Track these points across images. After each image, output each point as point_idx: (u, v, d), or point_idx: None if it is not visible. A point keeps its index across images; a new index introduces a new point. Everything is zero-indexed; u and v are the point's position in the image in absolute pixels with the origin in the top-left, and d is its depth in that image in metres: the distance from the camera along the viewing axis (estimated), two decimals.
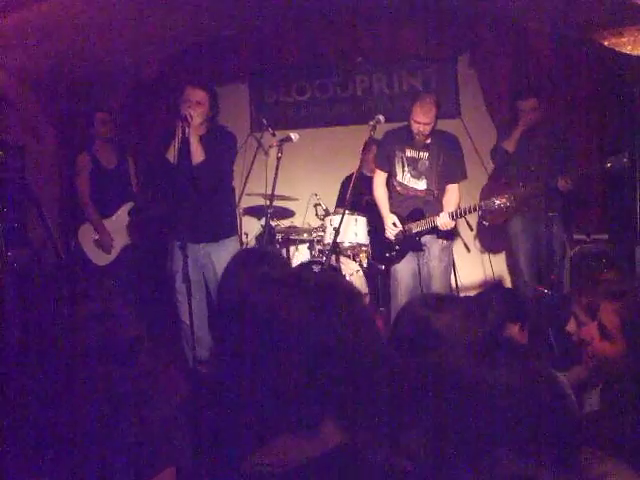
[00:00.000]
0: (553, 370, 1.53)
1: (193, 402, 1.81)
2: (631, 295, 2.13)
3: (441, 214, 5.06)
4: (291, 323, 1.27)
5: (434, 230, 5.16)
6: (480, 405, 1.43)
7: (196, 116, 4.43)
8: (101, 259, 5.79)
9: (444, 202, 5.20)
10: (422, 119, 4.99)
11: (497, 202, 4.98)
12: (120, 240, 5.84)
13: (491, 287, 3.32)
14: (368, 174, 6.18)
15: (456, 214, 5.07)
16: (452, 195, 5.22)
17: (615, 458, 1.53)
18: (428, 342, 2.18)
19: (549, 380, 1.50)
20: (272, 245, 6.03)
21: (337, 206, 6.62)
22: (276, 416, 1.28)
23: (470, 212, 5.13)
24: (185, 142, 4.38)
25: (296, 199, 6.63)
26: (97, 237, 5.78)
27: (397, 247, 5.25)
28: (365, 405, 1.34)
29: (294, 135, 4.98)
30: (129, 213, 5.87)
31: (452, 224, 5.11)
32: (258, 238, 6.71)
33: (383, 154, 5.38)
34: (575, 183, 5.39)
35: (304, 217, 6.84)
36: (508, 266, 6.88)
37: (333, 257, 5.64)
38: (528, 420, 1.43)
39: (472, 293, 6.44)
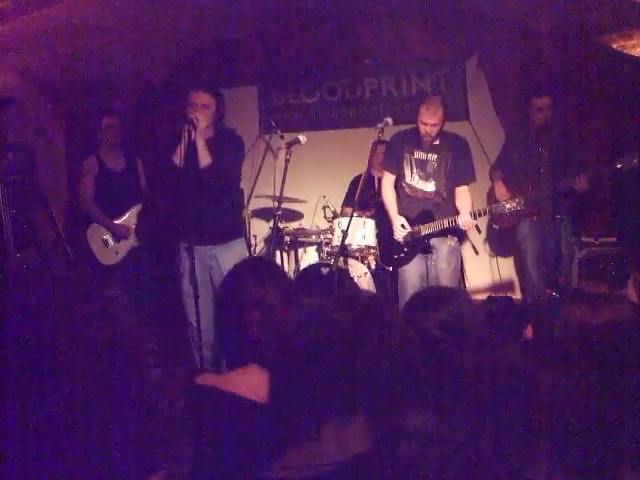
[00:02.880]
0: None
1: (195, 408, 1.81)
2: None
3: (462, 213, 5.05)
4: (291, 321, 1.28)
5: (443, 232, 5.15)
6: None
7: (202, 119, 4.43)
8: (108, 258, 5.82)
9: (459, 206, 5.17)
10: (429, 120, 4.99)
11: (507, 206, 4.98)
12: (128, 241, 5.87)
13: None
14: (376, 176, 6.19)
15: (480, 212, 5.07)
16: (465, 197, 5.20)
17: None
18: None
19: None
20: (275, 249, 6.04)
21: (344, 205, 6.61)
22: (277, 429, 1.29)
23: (480, 216, 5.13)
24: (192, 145, 4.39)
25: (304, 201, 6.64)
26: (106, 237, 5.81)
27: (405, 249, 5.25)
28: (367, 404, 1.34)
29: (302, 137, 4.97)
30: (138, 215, 5.90)
31: (474, 222, 5.13)
32: (266, 240, 6.71)
33: (392, 156, 5.37)
34: (591, 183, 5.37)
35: (312, 219, 6.84)
36: (516, 269, 6.86)
37: (341, 259, 5.64)
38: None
39: (480, 296, 6.45)
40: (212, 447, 1.60)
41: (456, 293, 2.48)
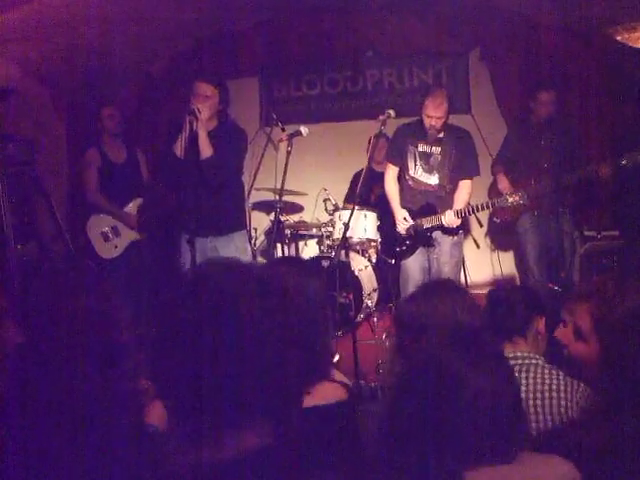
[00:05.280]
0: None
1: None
2: (601, 294, 2.11)
3: (447, 212, 5.03)
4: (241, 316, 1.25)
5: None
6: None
7: (204, 110, 4.41)
8: (108, 252, 5.79)
9: (455, 198, 5.17)
10: (434, 113, 4.97)
11: (510, 199, 4.95)
12: (127, 235, 5.85)
13: (506, 286, 3.31)
14: (378, 169, 6.16)
15: (464, 212, 5.04)
16: (462, 192, 5.19)
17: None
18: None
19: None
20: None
21: (346, 201, 6.59)
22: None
23: (483, 209, 5.11)
24: (193, 136, 4.37)
25: (305, 194, 6.61)
26: (105, 230, 5.79)
27: (407, 242, 5.23)
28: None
29: (304, 129, 4.94)
30: (139, 209, 5.87)
31: (458, 222, 5.09)
32: (267, 233, 6.68)
33: (395, 148, 5.35)
34: (615, 171, 5.33)
35: (313, 212, 6.80)
36: (517, 263, 6.84)
37: (342, 252, 5.62)
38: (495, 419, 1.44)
39: (481, 290, 6.41)
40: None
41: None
